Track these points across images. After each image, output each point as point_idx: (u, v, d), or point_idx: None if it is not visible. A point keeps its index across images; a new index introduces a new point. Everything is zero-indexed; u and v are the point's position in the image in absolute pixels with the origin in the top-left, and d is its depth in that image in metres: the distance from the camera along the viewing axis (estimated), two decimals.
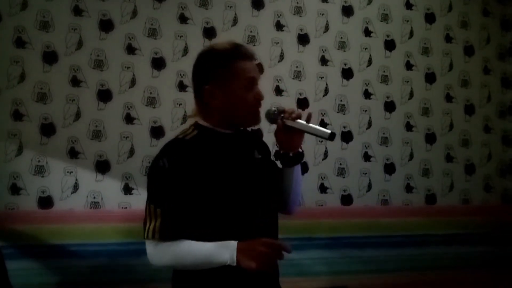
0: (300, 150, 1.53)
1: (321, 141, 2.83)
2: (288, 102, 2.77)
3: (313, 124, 1.46)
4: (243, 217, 1.42)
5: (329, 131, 1.41)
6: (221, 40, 1.62)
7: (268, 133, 1.63)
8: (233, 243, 1.31)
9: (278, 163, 1.58)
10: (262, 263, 1.28)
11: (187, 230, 1.37)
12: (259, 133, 1.64)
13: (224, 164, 1.43)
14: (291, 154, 1.51)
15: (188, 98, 2.68)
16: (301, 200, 1.64)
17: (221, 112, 1.46)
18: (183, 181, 1.37)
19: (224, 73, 1.44)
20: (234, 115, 1.46)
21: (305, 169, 1.62)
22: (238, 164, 1.46)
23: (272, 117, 1.50)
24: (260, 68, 1.53)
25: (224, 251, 1.31)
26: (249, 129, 1.59)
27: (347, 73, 2.98)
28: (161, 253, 1.38)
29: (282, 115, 1.48)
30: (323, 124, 2.87)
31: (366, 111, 2.99)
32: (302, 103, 2.86)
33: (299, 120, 1.46)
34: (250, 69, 1.46)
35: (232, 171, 1.43)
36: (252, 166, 1.50)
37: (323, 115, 2.90)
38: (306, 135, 1.49)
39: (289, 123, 1.46)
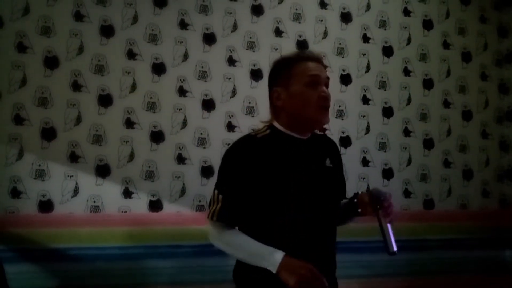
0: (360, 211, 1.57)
1: None
2: None
3: (391, 232, 1.47)
4: (301, 222, 1.45)
5: (395, 249, 1.44)
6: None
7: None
8: (279, 255, 1.37)
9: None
10: (298, 286, 1.33)
11: (243, 221, 1.47)
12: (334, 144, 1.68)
13: (289, 167, 1.48)
14: (359, 210, 1.55)
15: (188, 103, 2.72)
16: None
17: (287, 112, 1.52)
18: (246, 176, 1.45)
19: (287, 75, 1.52)
20: (298, 113, 1.50)
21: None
22: (305, 168, 1.50)
23: (376, 202, 1.49)
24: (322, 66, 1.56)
25: (270, 258, 1.38)
26: (322, 133, 1.65)
27: (345, 79, 3.00)
28: (219, 237, 1.48)
29: (380, 209, 1.48)
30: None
31: (364, 116, 3.01)
32: None
33: (385, 221, 1.47)
34: (311, 68, 1.51)
35: (297, 175, 1.47)
36: (320, 173, 1.53)
37: None
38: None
39: (379, 216, 1.47)
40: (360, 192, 1.57)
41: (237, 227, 1.50)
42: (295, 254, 1.38)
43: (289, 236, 1.43)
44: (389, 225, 1.47)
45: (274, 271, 1.36)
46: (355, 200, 1.56)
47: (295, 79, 1.50)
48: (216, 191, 1.50)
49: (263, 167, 1.45)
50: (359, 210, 1.55)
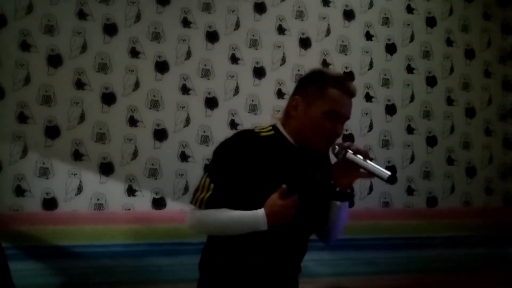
0: (348, 190, 1.52)
1: None
2: None
3: (374, 164, 1.42)
4: (278, 228, 1.44)
5: (388, 173, 1.36)
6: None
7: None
8: (260, 210, 1.40)
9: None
10: (287, 215, 1.38)
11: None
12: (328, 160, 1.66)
13: (282, 170, 1.47)
14: (337, 189, 1.50)
15: (191, 101, 2.73)
16: (338, 237, 1.67)
17: (295, 124, 1.51)
18: (242, 170, 1.44)
19: (315, 92, 1.49)
20: (304, 132, 1.49)
21: (351, 204, 1.61)
22: (296, 176, 1.49)
23: (337, 148, 1.47)
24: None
25: (255, 219, 1.40)
26: None
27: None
28: (200, 218, 1.47)
29: (348, 150, 1.46)
30: None
31: (367, 114, 3.01)
32: None
33: (360, 156, 1.43)
34: (341, 102, 1.48)
35: (287, 179, 1.45)
36: (309, 184, 1.52)
37: None
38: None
39: (350, 157, 1.44)
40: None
41: None
42: (267, 249, 1.44)
43: (265, 236, 1.42)
44: (368, 161, 1.42)
45: (264, 226, 1.39)
46: (332, 182, 1.53)
47: (320, 102, 1.47)
48: (207, 179, 1.47)
49: (258, 165, 1.45)
50: (335, 185, 1.51)
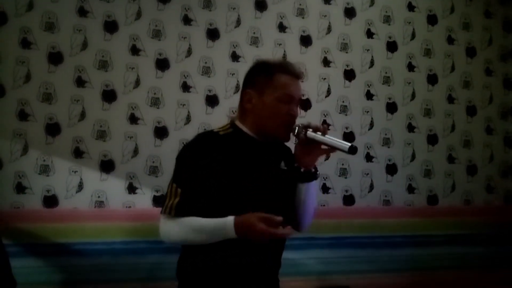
0: (313, 169, 1.54)
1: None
2: None
3: (334, 138, 1.46)
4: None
5: (348, 144, 1.41)
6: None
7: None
8: (230, 219, 1.39)
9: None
10: (259, 239, 1.35)
11: (199, 215, 1.44)
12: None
13: (246, 166, 1.49)
14: (302, 170, 1.53)
15: (192, 99, 2.73)
16: (310, 221, 1.67)
17: (253, 117, 1.53)
18: (206, 171, 1.45)
19: (264, 81, 1.53)
20: (263, 123, 1.52)
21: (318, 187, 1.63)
22: (260, 169, 1.51)
23: (297, 129, 1.51)
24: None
25: (224, 227, 1.39)
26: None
27: (349, 74, 2.99)
28: (171, 227, 1.46)
29: (308, 129, 1.49)
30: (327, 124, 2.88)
31: (368, 112, 3.01)
32: (304, 104, 2.88)
33: (319, 133, 1.47)
34: (290, 85, 1.52)
35: (252, 174, 1.48)
36: (273, 175, 1.54)
37: (325, 116, 2.92)
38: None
39: (311, 135, 1.48)
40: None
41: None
42: (243, 248, 1.43)
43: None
44: (327, 136, 1.46)
45: (233, 234, 1.38)
46: (295, 165, 1.55)
47: (271, 90, 1.51)
48: (174, 185, 1.48)
49: (222, 164, 1.45)
50: (299, 167, 1.53)
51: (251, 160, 1.50)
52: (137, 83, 2.65)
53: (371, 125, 3.01)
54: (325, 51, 2.95)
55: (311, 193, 1.58)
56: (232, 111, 2.78)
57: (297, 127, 1.51)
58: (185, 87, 2.72)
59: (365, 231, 2.88)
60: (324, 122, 2.90)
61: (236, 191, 1.44)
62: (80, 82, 2.57)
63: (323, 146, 1.49)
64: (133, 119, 2.64)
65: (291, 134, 1.53)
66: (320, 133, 1.47)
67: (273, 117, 1.50)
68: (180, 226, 1.45)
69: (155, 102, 2.68)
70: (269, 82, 1.52)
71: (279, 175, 1.56)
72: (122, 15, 2.65)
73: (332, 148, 1.47)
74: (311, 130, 1.49)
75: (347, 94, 2.97)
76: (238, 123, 1.57)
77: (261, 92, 1.52)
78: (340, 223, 2.82)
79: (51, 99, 2.53)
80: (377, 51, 3.05)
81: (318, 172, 1.57)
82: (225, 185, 1.44)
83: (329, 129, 1.49)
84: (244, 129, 1.55)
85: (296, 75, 1.55)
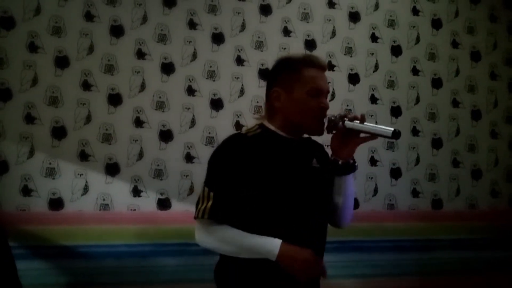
0: (351, 161, 1.52)
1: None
2: None
3: (374, 125, 1.43)
4: (289, 221, 1.44)
5: (391, 129, 1.37)
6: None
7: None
8: (277, 243, 1.37)
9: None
10: (299, 275, 1.35)
11: (234, 219, 1.43)
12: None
13: (278, 166, 1.47)
14: (340, 162, 1.51)
15: (197, 103, 2.74)
16: (352, 213, 1.64)
17: (283, 115, 1.51)
18: (237, 173, 1.44)
19: (291, 77, 1.50)
20: (296, 119, 1.50)
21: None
22: (292, 168, 1.49)
23: (333, 121, 1.47)
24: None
25: (267, 246, 1.38)
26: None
27: (353, 78, 3.00)
28: (208, 234, 1.45)
29: (345, 118, 1.46)
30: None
31: (372, 116, 3.01)
32: None
33: (356, 121, 1.44)
34: (319, 78, 1.50)
35: (285, 174, 1.46)
36: (307, 174, 1.52)
37: None
38: (360, 147, 1.47)
39: (349, 125, 1.44)
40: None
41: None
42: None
43: (278, 234, 1.41)
44: (367, 123, 1.43)
45: (273, 259, 1.36)
46: (332, 158, 1.53)
47: (300, 85, 1.49)
48: (206, 189, 1.47)
49: (253, 165, 1.44)
50: (337, 160, 1.50)
51: (282, 159, 1.49)
52: (143, 86, 2.67)
53: None
54: (329, 55, 2.96)
55: (349, 185, 1.55)
56: (237, 114, 2.79)
57: (333, 118, 1.47)
58: (190, 91, 2.73)
59: (369, 235, 2.87)
60: None
61: (269, 191, 1.43)
62: (86, 86, 2.59)
63: (362, 135, 1.46)
64: (138, 123, 2.65)
65: (326, 128, 1.50)
66: (357, 121, 1.44)
67: (305, 112, 1.48)
68: (218, 235, 1.44)
69: (160, 106, 2.69)
70: (297, 77, 1.49)
71: (312, 172, 1.53)
72: (128, 20, 2.67)
73: (373, 135, 1.44)
74: (347, 119, 1.45)
75: (351, 98, 2.98)
76: (266, 123, 1.55)
77: (289, 89, 1.49)
78: (344, 227, 2.82)
79: (57, 103, 2.55)
80: (382, 55, 3.06)
81: (356, 164, 1.54)
82: (258, 186, 1.43)
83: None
84: (273, 128, 1.53)
85: (322, 67, 1.53)
